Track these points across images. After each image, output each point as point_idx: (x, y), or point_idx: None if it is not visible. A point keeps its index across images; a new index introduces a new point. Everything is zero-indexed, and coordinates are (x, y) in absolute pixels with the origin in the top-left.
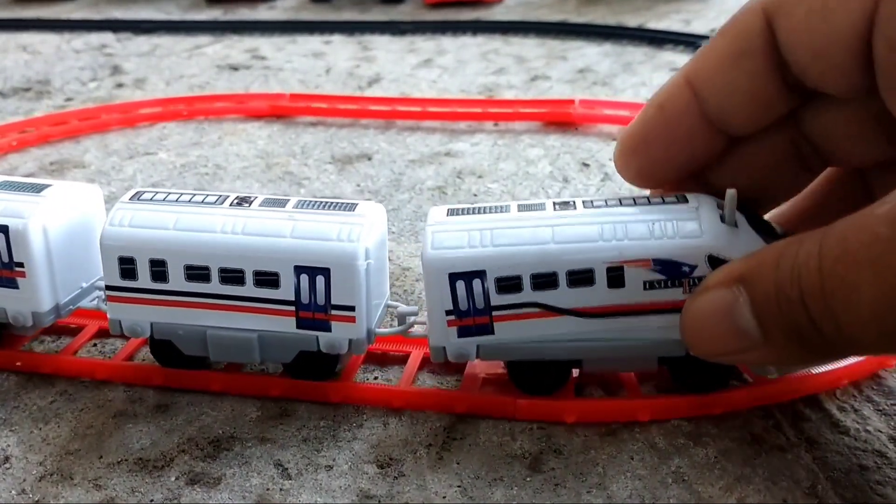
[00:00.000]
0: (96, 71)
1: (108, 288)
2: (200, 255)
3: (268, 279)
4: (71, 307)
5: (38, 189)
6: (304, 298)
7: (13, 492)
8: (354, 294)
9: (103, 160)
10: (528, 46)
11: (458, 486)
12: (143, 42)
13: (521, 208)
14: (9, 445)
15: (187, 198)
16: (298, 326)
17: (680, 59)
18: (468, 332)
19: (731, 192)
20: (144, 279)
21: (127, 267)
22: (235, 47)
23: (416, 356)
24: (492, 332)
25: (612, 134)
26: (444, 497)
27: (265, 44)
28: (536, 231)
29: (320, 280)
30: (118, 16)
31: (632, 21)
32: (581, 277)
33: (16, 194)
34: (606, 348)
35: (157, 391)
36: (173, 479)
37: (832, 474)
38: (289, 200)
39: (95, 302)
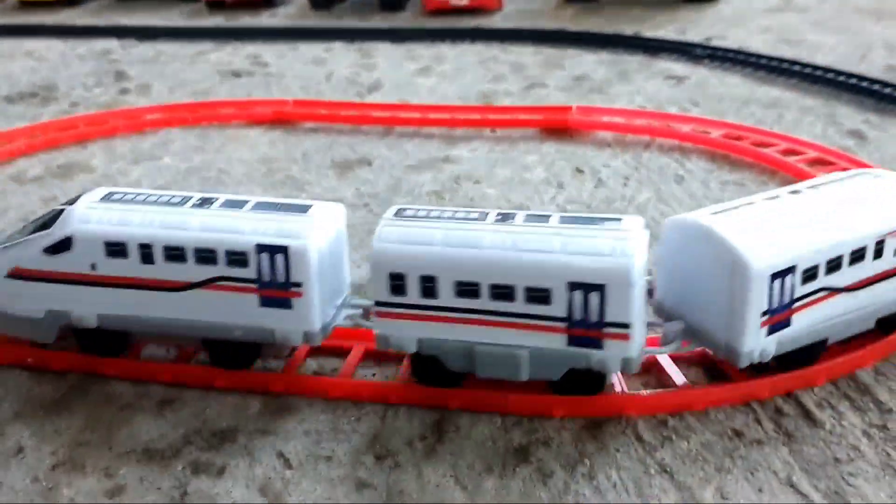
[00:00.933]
0: (101, 77)
1: (377, 304)
2: (471, 272)
3: (539, 295)
4: (332, 325)
5: (303, 209)
6: (577, 315)
7: (27, 480)
8: (629, 311)
9: (109, 164)
10: (526, 54)
11: (452, 476)
12: (146, 48)
13: (768, 199)
14: (23, 437)
15: (450, 213)
16: (569, 343)
17: (675, 67)
18: (774, 329)
19: None
20: (414, 295)
21: (397, 283)
22: (237, 54)
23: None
24: (790, 324)
25: (607, 140)
26: (438, 486)
27: (267, 51)
28: (818, 220)
29: (594, 297)
30: (122, 22)
31: (628, 30)
32: (858, 255)
33: (284, 214)
34: (847, 320)
35: (164, 386)
36: (180, 468)
37: (807, 466)
38: (551, 216)
39: (348, 321)
